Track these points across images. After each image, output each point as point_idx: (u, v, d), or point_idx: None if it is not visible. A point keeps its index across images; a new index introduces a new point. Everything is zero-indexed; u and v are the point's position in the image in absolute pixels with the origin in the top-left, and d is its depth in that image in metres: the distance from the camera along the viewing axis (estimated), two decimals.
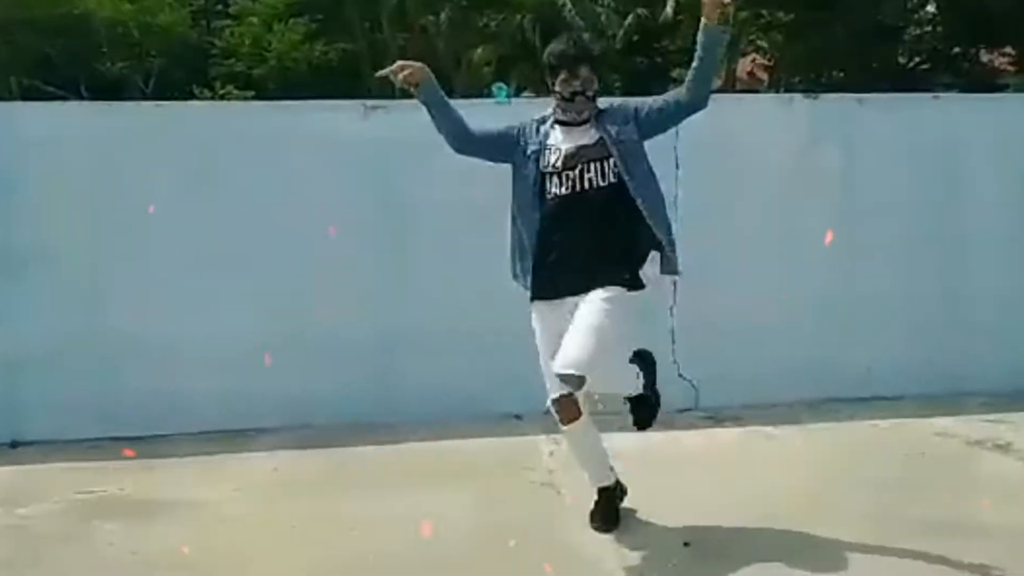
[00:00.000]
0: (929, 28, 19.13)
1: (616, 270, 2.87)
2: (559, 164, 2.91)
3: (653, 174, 2.96)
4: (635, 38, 19.23)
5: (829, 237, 4.17)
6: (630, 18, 18.86)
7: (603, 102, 3.00)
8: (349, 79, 17.36)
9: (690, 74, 2.92)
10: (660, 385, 4.30)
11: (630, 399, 3.11)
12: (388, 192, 4.24)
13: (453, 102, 3.06)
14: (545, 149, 2.95)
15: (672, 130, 4.05)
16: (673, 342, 4.36)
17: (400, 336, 4.24)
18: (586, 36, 14.07)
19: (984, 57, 18.83)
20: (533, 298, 2.98)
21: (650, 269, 2.97)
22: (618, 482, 3.19)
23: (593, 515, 3.14)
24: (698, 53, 2.89)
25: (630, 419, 3.13)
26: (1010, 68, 18.41)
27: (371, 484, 3.57)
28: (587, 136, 2.93)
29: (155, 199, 4.11)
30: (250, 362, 4.12)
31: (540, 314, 2.98)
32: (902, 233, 4.54)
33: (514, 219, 3.02)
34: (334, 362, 4.19)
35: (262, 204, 4.17)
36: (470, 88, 16.43)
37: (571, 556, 2.94)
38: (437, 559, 2.93)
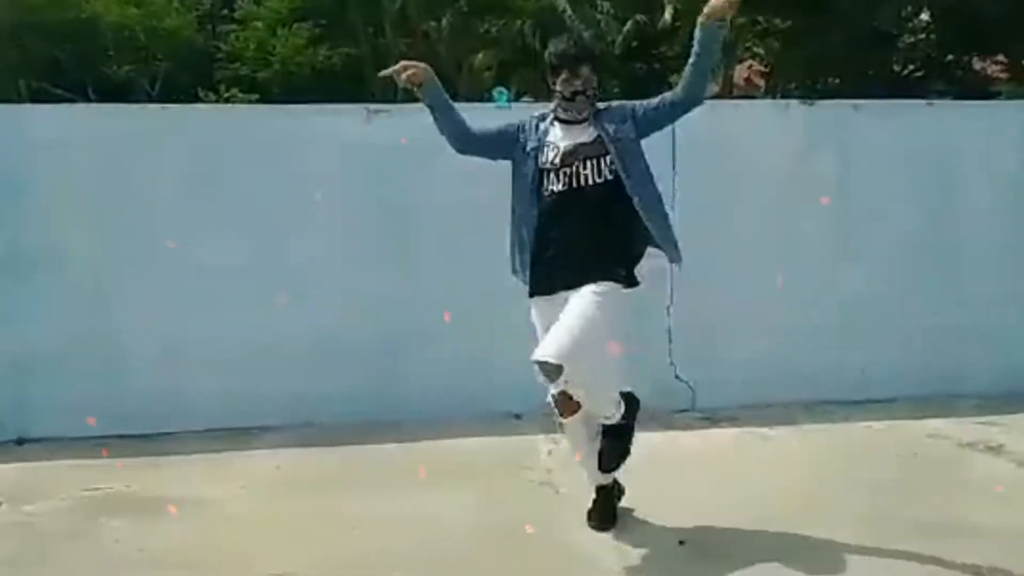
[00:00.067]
0: (923, 36, 19.15)
1: (611, 266, 2.88)
2: (557, 161, 2.92)
3: (650, 172, 2.96)
4: (634, 44, 19.25)
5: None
6: (629, 24, 18.88)
7: (601, 103, 3.00)
8: (352, 83, 17.37)
9: (687, 71, 2.93)
10: (658, 386, 4.34)
11: (604, 430, 3.02)
12: (390, 194, 4.24)
13: (456, 106, 3.06)
14: (544, 146, 2.96)
15: (669, 135, 4.12)
16: (670, 343, 4.37)
17: (402, 336, 4.24)
18: (586, 35, 14.10)
19: (977, 65, 18.87)
20: (531, 293, 2.99)
21: (646, 266, 2.97)
22: (616, 481, 3.19)
23: (591, 514, 3.14)
24: (695, 50, 2.89)
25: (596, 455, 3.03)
26: (1002, 75, 18.43)
27: (373, 483, 3.57)
28: (585, 134, 2.93)
29: (160, 201, 4.12)
30: (254, 362, 4.13)
31: (538, 309, 2.99)
32: (896, 237, 4.55)
33: (513, 214, 3.03)
34: (337, 362, 4.19)
35: (266, 206, 4.18)
36: (471, 92, 16.45)
37: (569, 555, 2.94)
38: (438, 557, 2.93)
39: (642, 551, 2.97)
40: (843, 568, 2.82)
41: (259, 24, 20.73)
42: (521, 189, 2.98)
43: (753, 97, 19.00)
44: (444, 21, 19.34)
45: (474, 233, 3.93)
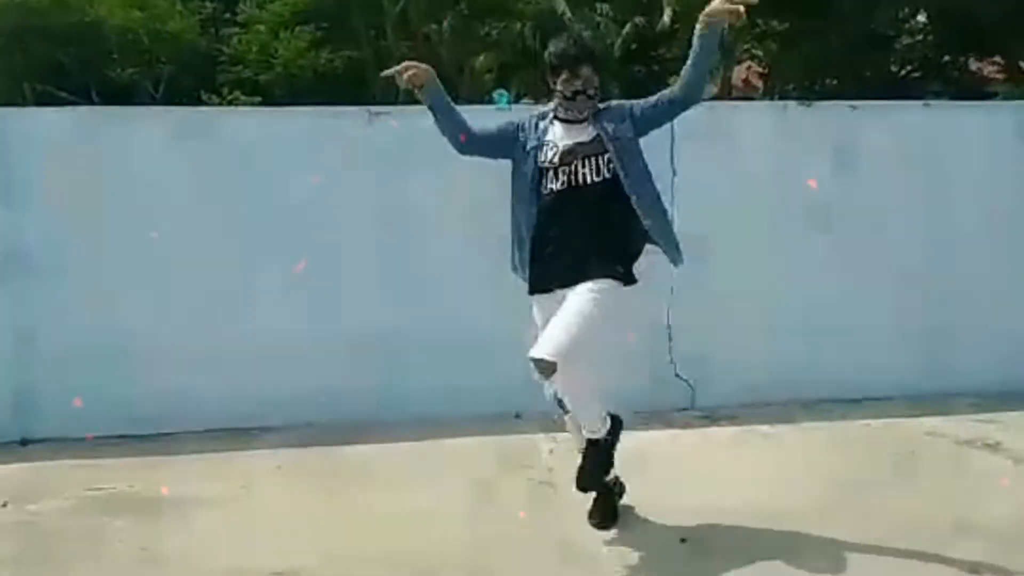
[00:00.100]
0: (920, 37, 19.14)
1: (609, 263, 2.87)
2: (556, 160, 2.91)
3: (648, 171, 2.95)
4: (633, 46, 19.24)
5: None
6: (628, 27, 18.87)
7: (602, 103, 2.99)
8: (354, 86, 17.38)
9: (685, 70, 2.92)
10: (658, 384, 4.34)
11: (587, 445, 3.00)
12: (390, 195, 4.23)
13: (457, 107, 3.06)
14: (543, 145, 2.95)
15: (668, 136, 4.12)
16: (670, 342, 4.36)
17: (402, 337, 4.23)
18: (586, 34, 14.09)
19: (973, 65, 18.85)
20: (530, 291, 2.99)
21: (644, 264, 2.96)
22: (617, 479, 3.18)
23: (592, 512, 3.12)
24: (694, 49, 2.88)
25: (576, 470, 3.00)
26: (998, 76, 18.42)
27: (374, 481, 3.56)
28: (585, 133, 2.93)
29: (164, 203, 4.11)
30: (256, 362, 4.12)
31: (538, 307, 2.98)
32: (893, 237, 4.54)
33: (513, 212, 3.02)
34: (337, 362, 4.18)
35: (267, 208, 4.17)
36: (472, 95, 16.45)
37: (569, 553, 2.93)
38: (439, 555, 2.92)
39: (643, 549, 2.97)
40: (843, 565, 2.82)
41: (261, 27, 20.73)
42: (520, 188, 2.98)
43: (751, 98, 18.99)
44: (445, 24, 19.34)
45: (473, 233, 3.93)
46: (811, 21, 16.48)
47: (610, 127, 2.91)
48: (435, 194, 4.18)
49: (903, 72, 18.95)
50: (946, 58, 18.63)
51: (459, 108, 3.08)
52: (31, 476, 3.70)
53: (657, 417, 4.23)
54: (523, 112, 3.20)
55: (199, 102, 17.06)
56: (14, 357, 4.06)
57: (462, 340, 4.17)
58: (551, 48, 2.97)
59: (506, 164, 3.02)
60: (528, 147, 2.96)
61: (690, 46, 2.91)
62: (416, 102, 3.05)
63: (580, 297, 2.79)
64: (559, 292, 2.88)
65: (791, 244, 4.46)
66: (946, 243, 4.58)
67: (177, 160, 4.14)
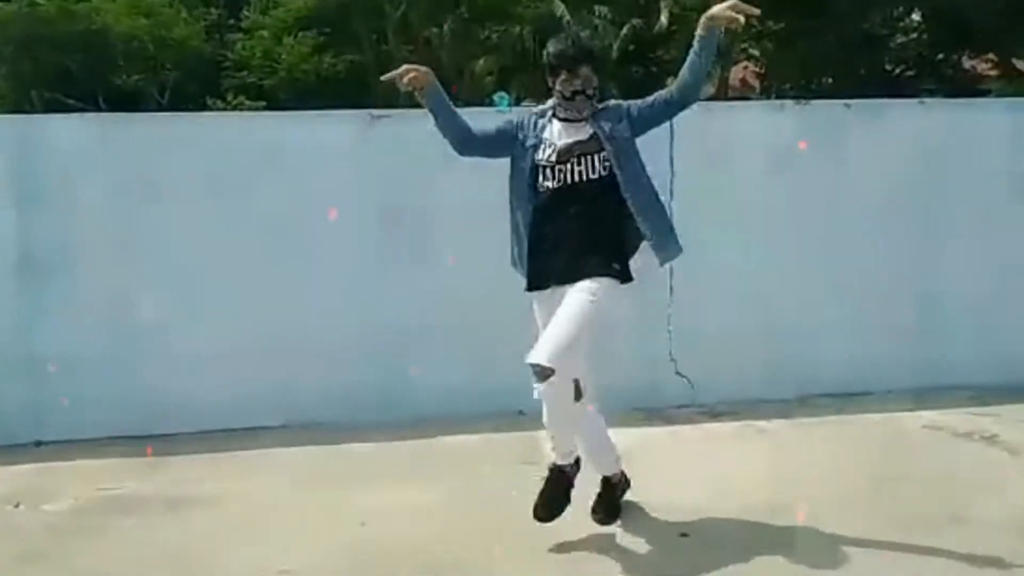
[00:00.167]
0: (914, 35, 19.11)
1: (605, 261, 2.88)
2: (553, 158, 2.91)
3: (644, 171, 2.95)
4: (631, 48, 19.22)
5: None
6: (625, 28, 18.86)
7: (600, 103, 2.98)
8: (356, 89, 17.39)
9: (683, 71, 2.92)
10: (659, 381, 4.34)
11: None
12: (393, 196, 4.23)
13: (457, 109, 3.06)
14: (541, 143, 2.95)
15: (667, 136, 4.12)
16: (671, 340, 4.36)
17: (406, 335, 4.24)
18: (584, 34, 14.08)
19: (967, 63, 18.82)
20: (527, 288, 2.99)
21: (641, 261, 2.97)
22: (623, 475, 3.18)
23: (595, 507, 3.13)
24: (694, 50, 2.88)
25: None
26: (992, 73, 18.39)
27: (378, 479, 3.57)
28: (582, 132, 2.92)
29: (171, 206, 4.12)
30: (263, 363, 4.13)
31: (537, 304, 2.99)
32: (889, 233, 4.54)
33: (511, 208, 3.03)
34: (342, 361, 4.19)
35: (271, 209, 4.18)
36: (472, 98, 16.44)
37: (572, 548, 2.93)
38: (443, 551, 2.93)
39: (645, 543, 2.97)
40: (842, 557, 2.82)
41: (265, 33, 20.76)
42: (518, 184, 2.98)
43: (748, 98, 18.98)
44: (445, 28, 19.34)
45: (476, 232, 3.93)
46: (807, 21, 16.46)
47: (607, 126, 2.91)
48: (437, 193, 4.18)
49: (897, 71, 18.93)
50: (940, 56, 18.60)
51: (460, 111, 3.08)
52: (44, 477, 3.71)
53: (657, 413, 4.24)
54: (523, 113, 3.20)
55: (204, 107, 17.09)
56: (28, 359, 4.07)
57: (466, 339, 4.17)
58: (550, 49, 2.96)
59: (507, 163, 3.03)
60: (527, 144, 2.96)
61: (687, 47, 2.92)
62: (417, 105, 3.06)
63: (577, 298, 2.80)
64: (556, 289, 2.89)
65: (788, 240, 4.45)
66: (942, 239, 4.58)
67: (182, 163, 4.15)
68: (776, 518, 3.10)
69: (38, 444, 4.07)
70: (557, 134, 2.95)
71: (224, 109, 17.67)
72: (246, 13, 22.23)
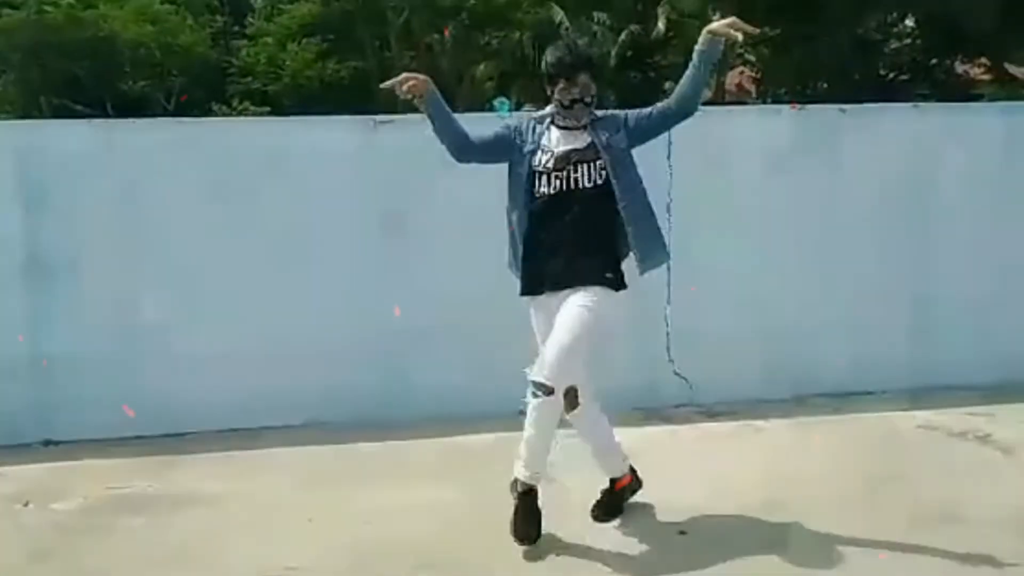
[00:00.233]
0: (908, 41, 19.13)
1: (599, 269, 2.87)
2: (549, 165, 2.90)
3: (640, 182, 2.94)
4: (629, 53, 19.26)
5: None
6: (624, 34, 18.90)
7: (597, 111, 2.98)
8: (360, 95, 17.43)
9: (682, 83, 2.91)
10: (658, 382, 4.34)
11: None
12: (395, 200, 4.23)
13: (456, 115, 3.05)
14: (539, 149, 2.93)
15: (665, 141, 4.11)
16: (669, 340, 4.36)
17: (409, 336, 4.24)
18: (582, 41, 14.08)
19: (960, 68, 18.84)
20: (522, 293, 2.99)
21: (634, 266, 2.97)
22: (634, 476, 3.18)
23: (597, 505, 3.13)
24: (693, 62, 2.88)
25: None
26: (984, 77, 18.41)
27: (381, 479, 3.57)
28: (580, 140, 2.91)
29: (175, 210, 4.12)
30: (267, 363, 4.12)
31: (533, 310, 3.00)
32: (884, 236, 4.53)
33: (508, 212, 3.02)
34: (346, 362, 4.18)
35: (276, 213, 4.17)
36: (473, 103, 16.47)
37: (569, 545, 2.93)
38: (445, 549, 2.93)
39: (643, 542, 2.97)
40: (838, 556, 2.82)
41: (270, 39, 20.81)
42: (515, 189, 2.97)
43: (745, 102, 19.00)
44: (447, 34, 19.37)
45: (477, 234, 3.92)
46: (802, 27, 16.49)
47: (604, 136, 2.90)
48: (439, 196, 4.17)
49: (892, 76, 18.94)
50: (933, 61, 18.62)
51: (461, 116, 3.07)
52: (53, 476, 3.71)
53: (656, 413, 4.24)
54: (522, 119, 3.19)
55: (209, 113, 17.13)
56: (36, 360, 4.07)
57: (468, 340, 4.17)
58: (548, 57, 2.94)
59: (508, 167, 3.02)
60: (524, 150, 2.95)
61: (685, 53, 2.92)
62: (415, 110, 3.05)
63: (575, 312, 2.80)
64: (551, 295, 2.89)
65: (786, 242, 4.45)
66: (936, 242, 4.57)
67: (188, 167, 4.14)
68: (773, 517, 3.10)
69: (46, 444, 4.07)
70: (555, 141, 2.93)
71: (229, 115, 17.70)
72: (251, 20, 22.29)
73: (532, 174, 2.92)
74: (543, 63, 2.96)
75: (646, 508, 3.19)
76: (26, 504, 3.43)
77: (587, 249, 2.87)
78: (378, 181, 4.23)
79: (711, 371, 4.33)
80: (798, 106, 4.74)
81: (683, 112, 2.93)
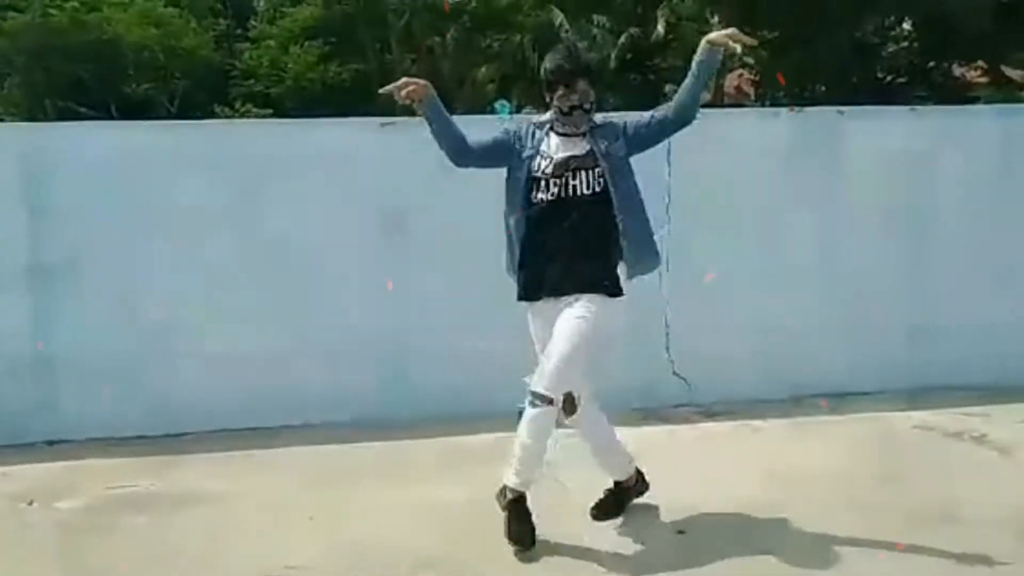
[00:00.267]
0: (906, 44, 19.13)
1: (597, 276, 2.86)
2: (548, 171, 2.89)
3: (638, 191, 2.93)
4: (628, 56, 19.26)
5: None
6: (623, 37, 18.89)
7: (597, 117, 2.97)
8: (361, 98, 17.44)
9: (681, 92, 2.91)
10: (657, 382, 4.34)
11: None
12: (399, 202, 4.24)
13: (457, 119, 3.04)
14: (538, 155, 2.92)
15: (666, 142, 4.11)
16: (667, 341, 4.36)
17: (411, 337, 4.24)
18: (581, 46, 14.09)
19: (957, 71, 18.83)
20: (519, 298, 2.98)
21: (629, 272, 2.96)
22: (640, 477, 3.17)
23: (597, 504, 3.13)
24: (692, 71, 2.87)
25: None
26: (981, 80, 18.41)
27: (383, 478, 3.57)
28: (579, 147, 2.90)
29: (179, 212, 4.12)
30: (271, 364, 4.13)
31: (531, 316, 2.99)
32: (882, 237, 4.54)
33: (505, 216, 3.01)
34: (349, 363, 4.19)
35: (280, 214, 4.18)
36: (473, 106, 16.46)
37: (568, 544, 2.93)
38: (446, 548, 2.93)
39: (642, 541, 2.97)
40: (835, 556, 2.82)
41: (272, 43, 20.83)
42: (512, 194, 2.95)
43: (743, 105, 18.99)
44: (448, 37, 19.40)
45: (478, 235, 3.92)
46: (800, 30, 16.48)
47: (603, 144, 2.89)
48: (442, 200, 4.18)
49: (889, 78, 18.94)
50: (931, 64, 18.62)
51: (462, 119, 3.06)
52: (57, 475, 3.71)
53: (655, 413, 4.24)
54: (521, 123, 3.19)
55: (212, 115, 17.14)
56: (40, 361, 4.07)
57: (469, 340, 4.17)
58: (547, 64, 2.93)
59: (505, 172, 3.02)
60: (523, 155, 2.94)
61: (684, 55, 2.92)
62: (413, 113, 3.04)
63: (573, 323, 2.80)
64: (548, 300, 2.89)
65: (784, 244, 4.45)
66: (933, 243, 4.57)
67: (192, 170, 4.15)
68: (771, 516, 3.10)
69: (50, 443, 4.07)
70: (554, 147, 2.92)
71: (231, 117, 17.70)
72: (254, 23, 22.30)
73: (530, 179, 2.91)
74: (542, 69, 2.95)
75: (645, 508, 3.19)
76: (30, 503, 3.43)
77: (585, 255, 2.86)
78: (381, 182, 4.23)
79: (710, 371, 4.33)
80: (796, 110, 4.75)
81: (682, 121, 2.92)
